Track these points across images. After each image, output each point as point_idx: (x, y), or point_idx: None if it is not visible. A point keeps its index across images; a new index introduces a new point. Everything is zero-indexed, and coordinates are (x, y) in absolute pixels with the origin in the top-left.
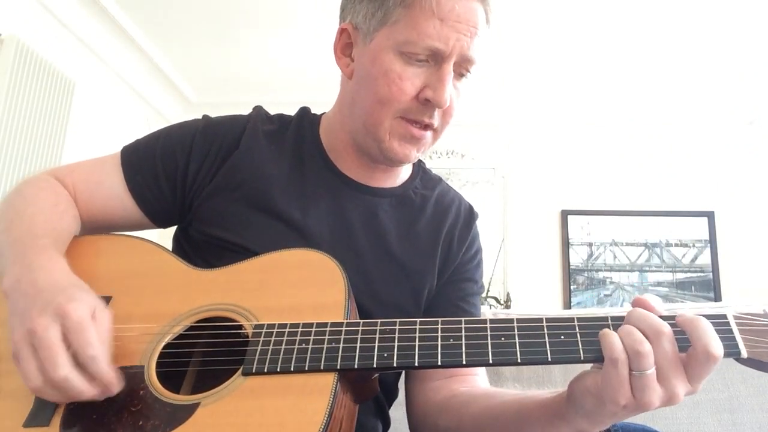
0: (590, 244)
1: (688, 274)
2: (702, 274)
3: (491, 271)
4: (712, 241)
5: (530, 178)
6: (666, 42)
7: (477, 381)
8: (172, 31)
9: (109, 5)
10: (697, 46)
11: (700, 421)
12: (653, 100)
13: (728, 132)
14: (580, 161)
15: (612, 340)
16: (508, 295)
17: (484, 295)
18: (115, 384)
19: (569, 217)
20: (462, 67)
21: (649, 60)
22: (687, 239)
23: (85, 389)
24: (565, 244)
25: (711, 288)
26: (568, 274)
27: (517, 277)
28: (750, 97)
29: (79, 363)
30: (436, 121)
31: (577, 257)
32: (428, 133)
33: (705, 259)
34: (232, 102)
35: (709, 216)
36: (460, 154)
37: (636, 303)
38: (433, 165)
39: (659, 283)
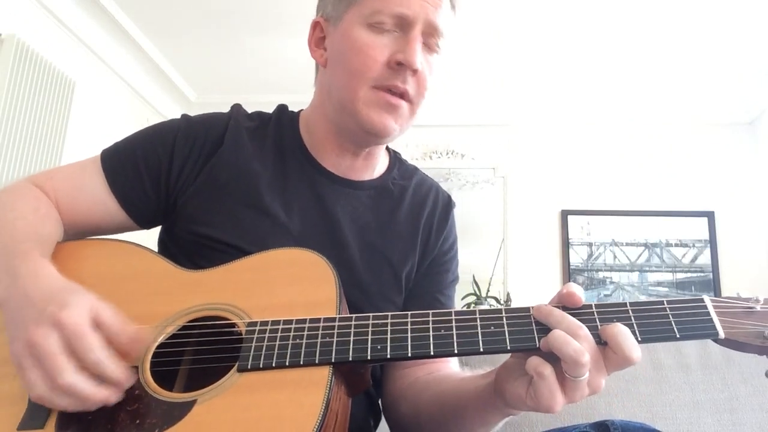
0: (590, 244)
1: (688, 274)
2: (702, 274)
3: (491, 271)
4: (712, 241)
5: (530, 178)
6: (666, 42)
7: (445, 365)
8: (172, 32)
9: (109, 5)
10: (697, 46)
11: (700, 421)
12: (653, 100)
13: (728, 132)
14: (580, 161)
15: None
16: (508, 295)
17: (484, 295)
18: (123, 381)
19: (569, 217)
20: (430, 38)
21: (649, 60)
22: (687, 239)
23: (93, 392)
24: (565, 244)
25: (711, 288)
26: (568, 274)
27: (517, 277)
28: (750, 97)
29: (86, 368)
30: (410, 88)
31: (577, 257)
32: (404, 103)
33: (705, 259)
34: (232, 102)
35: (709, 216)
36: (460, 154)
37: (565, 297)
38: (434, 165)
39: (659, 283)
